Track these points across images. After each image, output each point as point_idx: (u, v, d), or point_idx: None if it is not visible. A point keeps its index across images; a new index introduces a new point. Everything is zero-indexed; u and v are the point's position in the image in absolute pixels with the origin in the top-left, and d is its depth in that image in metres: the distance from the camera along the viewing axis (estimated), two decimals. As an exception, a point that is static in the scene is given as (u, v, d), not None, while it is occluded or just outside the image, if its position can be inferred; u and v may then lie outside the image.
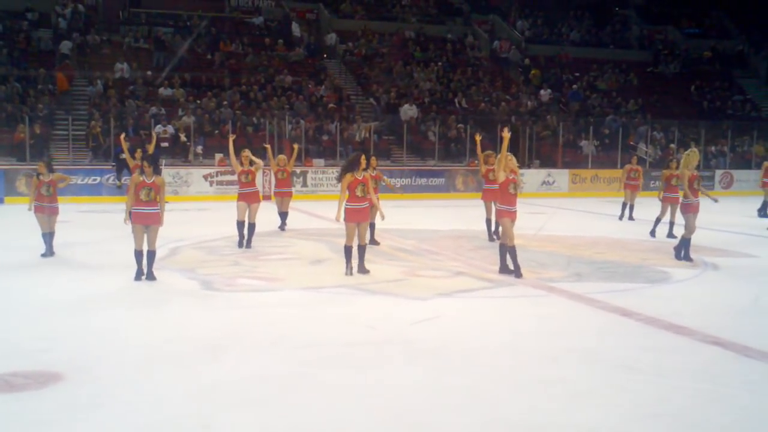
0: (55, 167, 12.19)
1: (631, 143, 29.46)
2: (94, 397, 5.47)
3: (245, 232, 12.67)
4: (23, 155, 22.75)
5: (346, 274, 10.25)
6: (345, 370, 6.23)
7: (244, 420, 5.09)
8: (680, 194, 12.45)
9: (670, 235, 14.57)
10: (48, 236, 11.71)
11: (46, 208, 11.58)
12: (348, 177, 10.11)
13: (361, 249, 10.39)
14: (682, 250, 11.91)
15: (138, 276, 9.77)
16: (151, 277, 9.80)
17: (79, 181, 21.68)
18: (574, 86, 33.88)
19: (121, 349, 6.75)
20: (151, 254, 9.80)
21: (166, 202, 22.55)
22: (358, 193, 10.15)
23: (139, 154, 13.80)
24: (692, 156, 11.99)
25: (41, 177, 11.58)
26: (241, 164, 12.72)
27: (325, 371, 6.18)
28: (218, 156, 24.07)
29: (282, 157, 15.56)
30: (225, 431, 4.91)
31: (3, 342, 6.94)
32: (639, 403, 5.52)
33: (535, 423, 5.09)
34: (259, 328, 7.51)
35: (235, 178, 22.53)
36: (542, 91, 32.68)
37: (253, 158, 12.99)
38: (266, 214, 15.43)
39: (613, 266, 11.47)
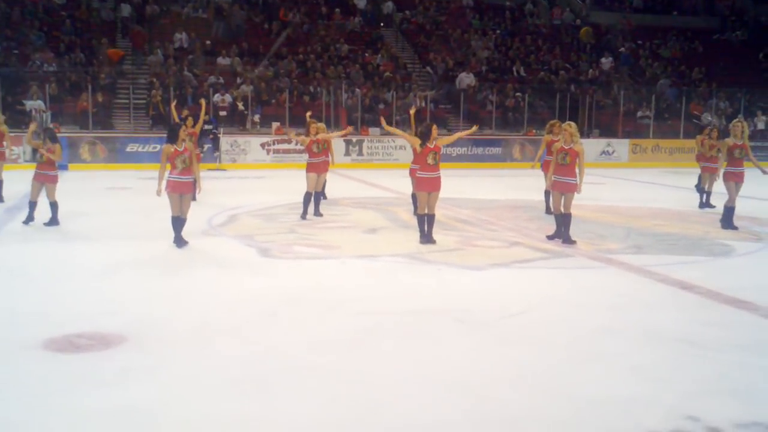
0: (59, 137, 11.77)
1: (695, 112, 28.64)
2: (157, 359, 5.61)
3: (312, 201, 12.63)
4: (86, 123, 23.29)
5: (421, 242, 10.26)
6: (401, 338, 6.25)
7: (301, 384, 5.16)
8: (724, 165, 12.39)
9: (707, 204, 14.56)
10: (33, 204, 11.32)
11: (41, 176, 11.31)
12: (417, 142, 10.18)
13: (431, 218, 10.37)
14: (727, 220, 11.91)
15: (179, 243, 9.79)
16: (183, 243, 9.84)
17: (140, 149, 22.14)
18: (622, 49, 32.99)
19: (180, 314, 6.90)
20: (184, 221, 9.88)
21: (224, 170, 22.88)
22: (429, 161, 10.14)
23: (190, 122, 13.71)
24: (735, 126, 12.05)
25: (45, 145, 11.28)
26: (308, 134, 12.68)
27: (381, 339, 6.22)
28: (275, 125, 24.27)
29: (321, 125, 14.46)
30: (282, 395, 4.98)
31: (65, 305, 7.15)
32: (699, 378, 5.41)
33: (591, 396, 5.03)
34: (315, 295, 7.59)
35: (291, 146, 22.86)
36: (603, 60, 31.95)
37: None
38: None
39: (674, 238, 11.22)
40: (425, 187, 10.24)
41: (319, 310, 7.03)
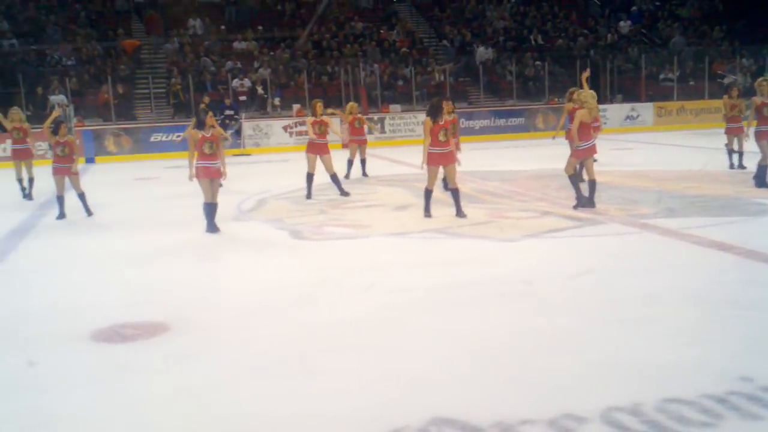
0: (74, 129, 12.19)
1: (719, 72, 28.20)
2: (201, 345, 5.67)
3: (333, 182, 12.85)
4: (109, 115, 23.44)
5: (425, 216, 10.29)
6: (438, 313, 6.25)
7: (344, 362, 5.18)
8: (744, 124, 12.13)
9: (740, 165, 14.10)
10: (61, 199, 11.47)
11: (62, 170, 11.39)
12: (429, 122, 10.08)
13: (455, 192, 10.36)
14: (760, 178, 11.69)
15: (212, 228, 9.82)
16: (215, 229, 9.88)
17: (164, 138, 22.24)
18: (633, 8, 32.48)
19: (219, 299, 6.95)
20: (216, 206, 9.91)
21: (248, 154, 22.97)
22: (441, 137, 10.10)
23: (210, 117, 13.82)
24: (763, 84, 11.77)
25: (58, 137, 11.29)
26: (313, 114, 12.79)
27: (419, 315, 6.21)
28: (296, 107, 24.27)
29: (353, 104, 15.84)
30: (325, 373, 5.01)
31: (106, 295, 7.24)
32: (746, 338, 5.36)
33: (639, 361, 4.98)
34: (350, 275, 7.60)
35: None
36: (621, 23, 31.52)
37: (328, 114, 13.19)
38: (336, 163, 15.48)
39: (707, 200, 11.10)
40: (436, 161, 10.22)
41: (356, 289, 7.04)
